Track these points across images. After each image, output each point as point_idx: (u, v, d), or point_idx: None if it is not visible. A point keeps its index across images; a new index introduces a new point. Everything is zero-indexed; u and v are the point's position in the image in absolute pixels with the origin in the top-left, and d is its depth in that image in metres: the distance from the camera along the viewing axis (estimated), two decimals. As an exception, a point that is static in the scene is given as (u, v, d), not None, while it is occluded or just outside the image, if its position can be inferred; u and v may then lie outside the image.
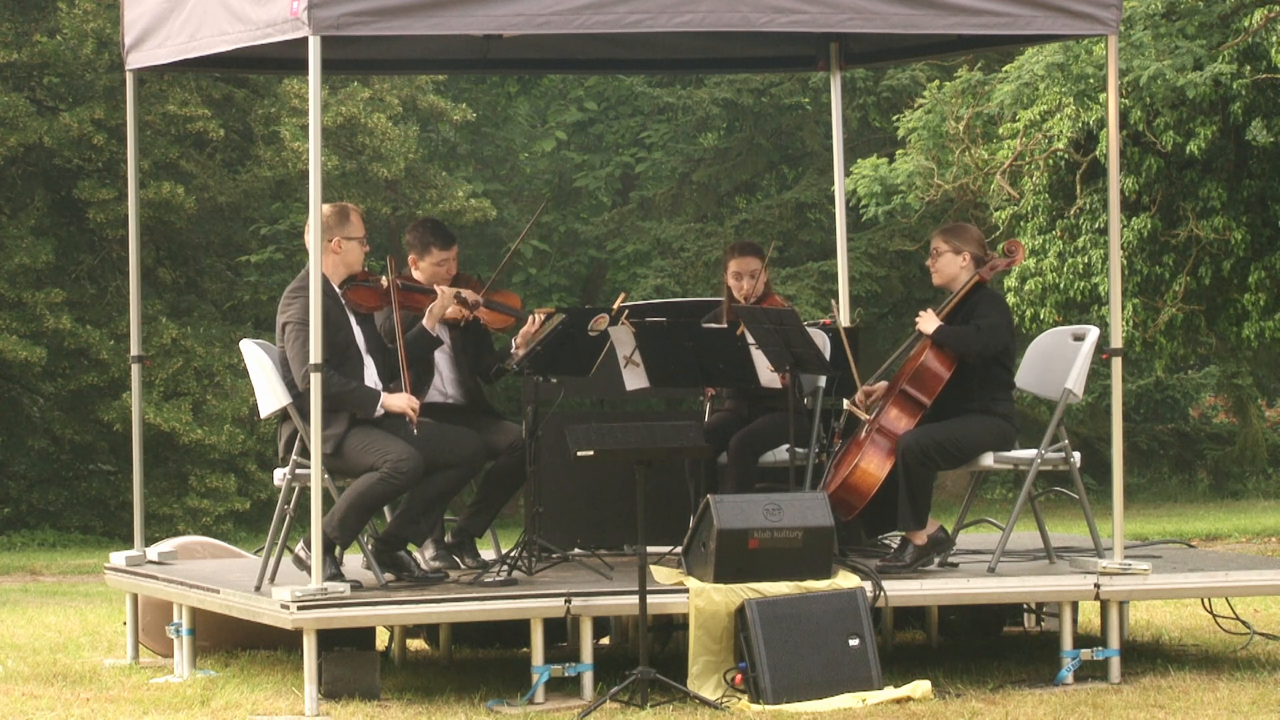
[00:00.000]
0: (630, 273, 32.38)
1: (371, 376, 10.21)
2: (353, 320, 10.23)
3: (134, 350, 11.66)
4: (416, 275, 10.85)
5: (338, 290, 10.21)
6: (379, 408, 9.99)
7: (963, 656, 10.73)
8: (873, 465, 10.25)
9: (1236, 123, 18.78)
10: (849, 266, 13.61)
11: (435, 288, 10.54)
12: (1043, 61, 18.84)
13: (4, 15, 27.85)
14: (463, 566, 10.72)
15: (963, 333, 10.32)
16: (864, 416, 10.48)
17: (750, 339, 10.70)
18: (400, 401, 10.00)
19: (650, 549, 9.61)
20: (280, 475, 10.24)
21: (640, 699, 9.32)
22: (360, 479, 9.89)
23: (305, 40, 9.39)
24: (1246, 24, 18.39)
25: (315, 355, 9.55)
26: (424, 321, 10.49)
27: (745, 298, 11.13)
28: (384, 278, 10.41)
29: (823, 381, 11.04)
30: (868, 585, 9.80)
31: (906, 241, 30.28)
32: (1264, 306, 19.35)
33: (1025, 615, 11.76)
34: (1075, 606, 10.15)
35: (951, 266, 10.54)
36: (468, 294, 10.71)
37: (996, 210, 20.98)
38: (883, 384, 10.60)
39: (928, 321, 10.39)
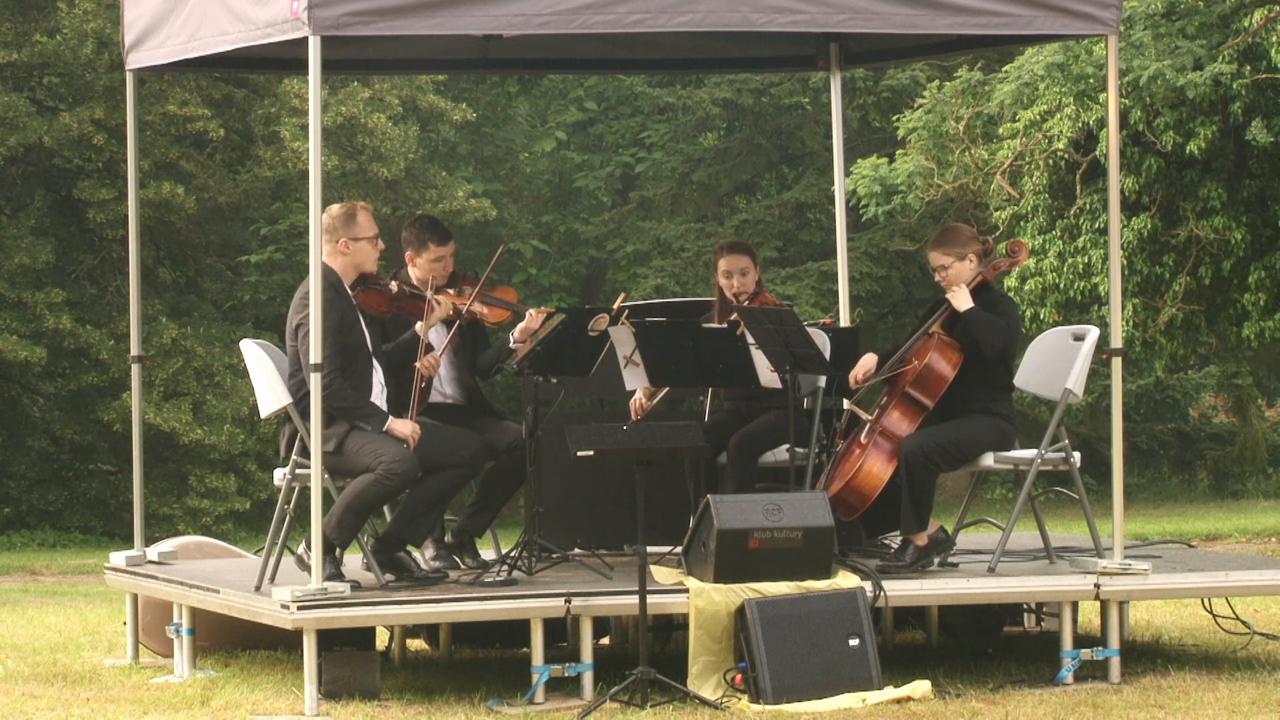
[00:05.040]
0: (630, 273, 32.39)
1: (379, 379, 10.21)
2: (362, 322, 10.22)
3: (134, 350, 11.66)
4: (413, 272, 10.84)
5: (349, 292, 10.20)
6: (383, 429, 9.98)
7: (963, 656, 10.73)
8: (876, 467, 10.25)
9: (1236, 123, 18.78)
10: (849, 266, 13.61)
11: (435, 298, 10.49)
12: (1043, 61, 18.85)
13: (4, 15, 27.85)
14: (463, 566, 10.72)
15: (994, 322, 10.28)
16: (865, 417, 10.49)
17: (750, 339, 10.70)
18: (405, 429, 9.99)
19: (650, 549, 9.61)
20: (280, 475, 10.24)
21: (640, 699, 9.32)
22: (356, 480, 9.89)
23: (305, 40, 9.39)
24: (1246, 24, 18.40)
25: (315, 355, 9.54)
26: (416, 329, 10.44)
27: (736, 296, 11.13)
28: (393, 283, 10.40)
29: (823, 381, 11.04)
30: (868, 585, 9.80)
31: (906, 241, 30.29)
32: (1264, 306, 19.36)
33: (1025, 615, 11.75)
34: (1075, 606, 10.15)
35: (963, 273, 10.46)
36: (460, 302, 10.67)
37: (996, 210, 20.98)
38: (871, 357, 10.57)
39: (962, 298, 10.33)
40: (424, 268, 10.81)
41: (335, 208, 10.29)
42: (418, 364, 10.22)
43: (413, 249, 10.87)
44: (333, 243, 10.20)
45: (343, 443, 9.91)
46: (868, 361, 10.60)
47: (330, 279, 10.05)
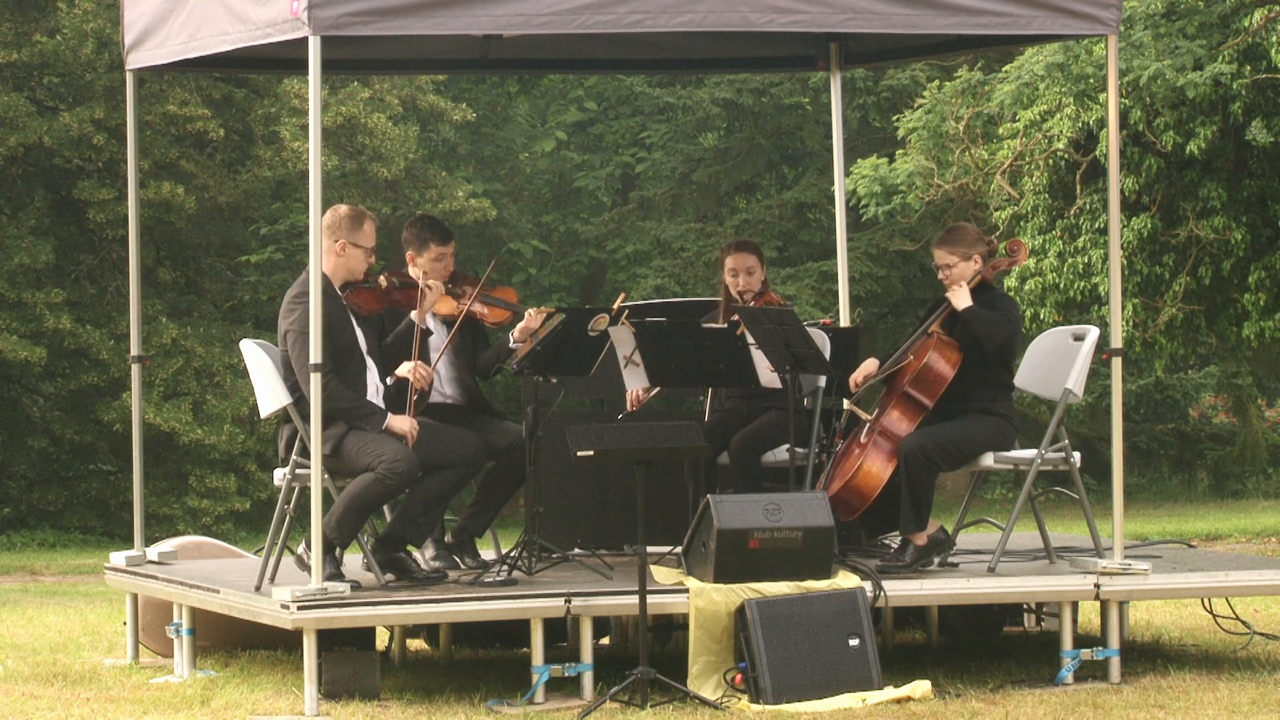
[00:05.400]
0: (630, 273, 32.38)
1: (374, 379, 10.20)
2: (354, 323, 10.21)
3: (134, 350, 11.66)
4: (413, 272, 10.82)
5: (339, 293, 10.19)
6: (383, 427, 9.97)
7: (963, 656, 10.73)
8: (875, 467, 10.25)
9: (1236, 123, 18.78)
10: (849, 266, 13.61)
11: (426, 283, 10.49)
12: (1043, 61, 18.84)
13: (4, 15, 27.85)
14: (463, 566, 10.72)
15: (994, 318, 10.29)
16: (865, 416, 10.48)
17: (750, 339, 10.70)
18: (404, 424, 9.98)
19: (650, 549, 9.61)
20: (280, 475, 10.24)
21: (640, 699, 9.32)
22: (356, 480, 9.89)
23: (305, 40, 9.39)
24: (1246, 24, 18.40)
25: (315, 355, 9.54)
26: (412, 316, 10.45)
27: (740, 294, 11.14)
28: (381, 277, 10.39)
29: (823, 381, 11.04)
30: (868, 585, 9.80)
31: (906, 241, 30.28)
32: (1264, 306, 19.36)
33: (1025, 615, 11.75)
34: (1075, 606, 10.15)
35: (968, 273, 10.48)
36: (479, 308, 10.67)
37: (996, 210, 20.98)
38: (872, 361, 10.58)
39: (961, 296, 10.34)
40: (425, 267, 10.81)
41: (344, 208, 10.28)
42: (409, 375, 10.16)
43: (414, 249, 10.87)
44: (331, 241, 10.18)
45: (339, 444, 9.90)
46: (869, 366, 10.60)
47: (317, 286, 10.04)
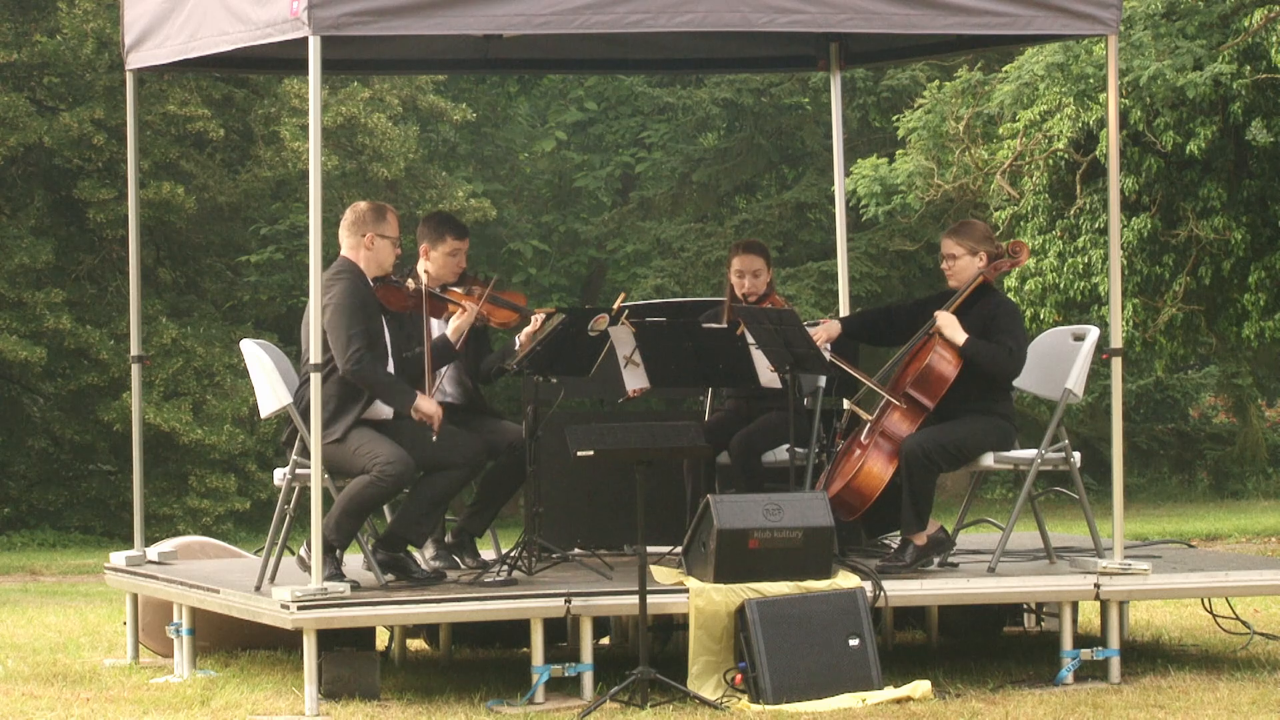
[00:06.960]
0: (630, 273, 32.39)
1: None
2: (382, 317, 10.21)
3: (134, 350, 11.66)
4: (426, 266, 10.80)
5: (370, 283, 10.20)
6: (410, 408, 9.97)
7: (963, 656, 10.73)
8: (877, 468, 10.25)
9: (1236, 123, 18.79)
10: (849, 266, 13.61)
11: (463, 303, 10.50)
12: (1043, 61, 18.85)
13: (4, 15, 27.86)
14: (463, 566, 10.72)
15: (995, 353, 10.26)
16: (865, 417, 10.48)
17: (750, 339, 10.70)
18: (430, 407, 9.97)
19: (650, 549, 9.61)
20: (280, 475, 10.24)
21: (640, 699, 9.32)
22: (352, 483, 9.89)
23: (305, 40, 9.39)
24: (1246, 24, 18.40)
25: (315, 355, 9.53)
26: (448, 334, 10.47)
27: (745, 296, 11.13)
28: (410, 281, 10.39)
29: (823, 381, 11.04)
30: (868, 585, 9.80)
31: (906, 241, 30.29)
32: (1264, 306, 19.37)
33: (1025, 615, 11.75)
34: (1075, 606, 10.14)
35: (970, 269, 10.50)
36: (487, 309, 10.65)
37: (996, 210, 20.99)
38: (835, 323, 10.65)
39: (953, 330, 10.33)
40: (439, 261, 10.76)
41: (364, 204, 10.31)
42: (426, 414, 10.09)
43: (428, 242, 10.82)
44: (358, 235, 10.18)
45: (347, 435, 9.87)
46: (831, 327, 10.63)
47: (353, 269, 10.05)
